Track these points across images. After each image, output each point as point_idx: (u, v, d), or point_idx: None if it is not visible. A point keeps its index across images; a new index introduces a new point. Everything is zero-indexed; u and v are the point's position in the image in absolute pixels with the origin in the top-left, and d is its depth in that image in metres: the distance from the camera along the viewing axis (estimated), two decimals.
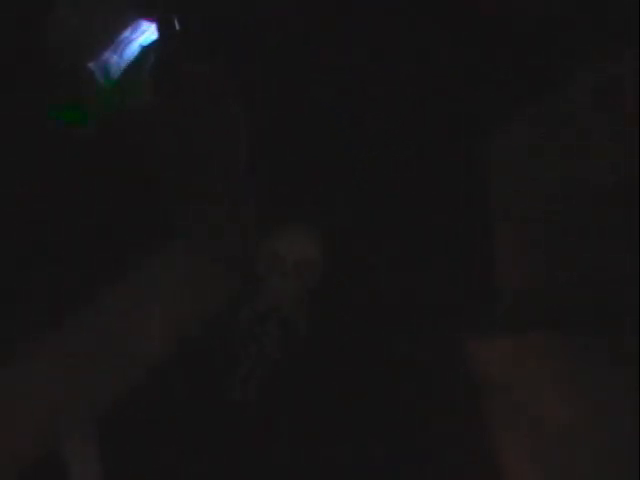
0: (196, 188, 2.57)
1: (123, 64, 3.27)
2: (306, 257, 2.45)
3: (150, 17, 3.45)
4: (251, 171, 2.44)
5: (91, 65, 3.26)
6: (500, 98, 2.12)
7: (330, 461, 2.17)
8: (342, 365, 2.29)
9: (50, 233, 2.62)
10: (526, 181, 2.10)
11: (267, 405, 2.25)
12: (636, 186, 2.09)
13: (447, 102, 2.25)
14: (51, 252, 2.60)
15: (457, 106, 2.20)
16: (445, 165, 2.24)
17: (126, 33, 3.39)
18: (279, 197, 2.46)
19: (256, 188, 2.48)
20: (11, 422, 2.25)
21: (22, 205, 2.63)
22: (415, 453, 2.14)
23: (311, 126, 2.40)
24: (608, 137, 2.08)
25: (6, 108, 2.72)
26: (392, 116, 2.35)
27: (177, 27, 3.24)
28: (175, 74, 2.76)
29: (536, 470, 1.99)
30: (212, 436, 2.22)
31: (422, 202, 2.29)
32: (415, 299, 2.30)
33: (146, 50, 3.34)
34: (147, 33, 3.41)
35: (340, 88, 2.34)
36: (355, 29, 2.33)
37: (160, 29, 3.31)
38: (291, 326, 2.37)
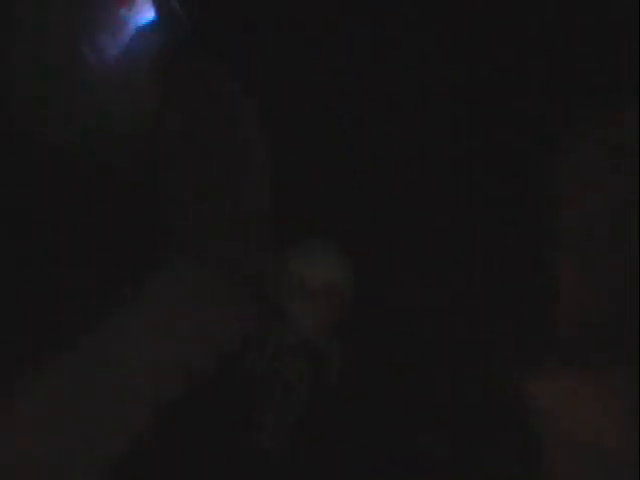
0: (208, 204, 2.31)
1: (118, 47, 2.98)
2: (334, 280, 2.14)
3: None
4: (267, 189, 2.17)
5: (84, 48, 2.97)
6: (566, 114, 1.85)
7: None
8: (382, 406, 2.00)
9: (50, 240, 2.40)
10: (592, 206, 1.83)
11: (298, 455, 1.96)
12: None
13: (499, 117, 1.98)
14: (53, 262, 2.37)
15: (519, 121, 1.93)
16: (505, 189, 1.97)
17: (121, 12, 3.08)
18: (299, 215, 2.19)
19: (273, 207, 2.21)
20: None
21: (21, 213, 2.41)
22: None
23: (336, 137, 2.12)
24: None
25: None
26: (423, 124, 2.07)
27: (177, 5, 2.93)
28: (177, 67, 2.47)
29: None
30: None
31: (476, 228, 2.02)
32: (468, 332, 2.03)
33: (143, 31, 3.04)
34: (144, 12, 3.11)
35: (372, 95, 2.06)
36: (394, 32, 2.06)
37: (158, 8, 3.00)
38: (322, 360, 2.10)
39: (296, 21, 2.10)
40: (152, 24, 3.07)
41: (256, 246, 2.25)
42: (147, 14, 3.08)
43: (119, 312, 2.33)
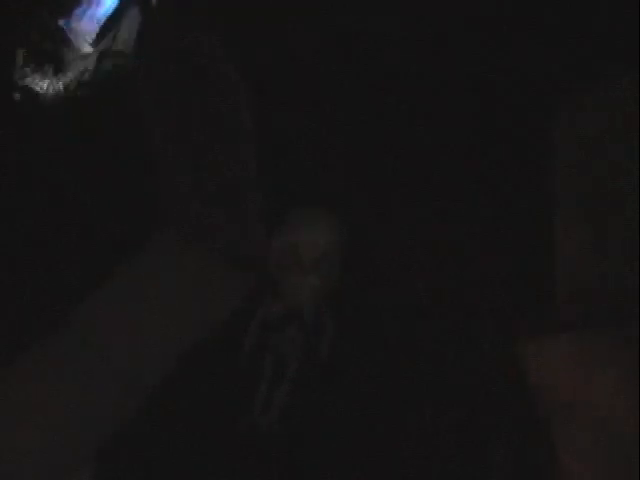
0: (197, 177, 2.25)
1: (97, 21, 2.91)
2: (327, 250, 2.07)
3: None
4: (258, 159, 2.12)
5: (62, 23, 2.90)
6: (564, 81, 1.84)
7: None
8: (377, 377, 1.95)
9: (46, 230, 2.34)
10: (592, 171, 1.82)
11: (289, 428, 1.89)
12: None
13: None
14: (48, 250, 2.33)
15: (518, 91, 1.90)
16: (501, 153, 1.94)
17: None
18: (289, 186, 2.14)
19: (263, 177, 2.16)
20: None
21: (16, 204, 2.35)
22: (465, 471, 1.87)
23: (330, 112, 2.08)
24: None
25: None
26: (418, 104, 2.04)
27: None
28: (161, 36, 2.40)
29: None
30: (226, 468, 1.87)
31: (473, 193, 1.98)
32: (464, 298, 2.00)
33: (124, 4, 2.98)
34: None
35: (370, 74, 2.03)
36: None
37: None
38: (315, 331, 2.01)
39: None
40: None
41: (248, 218, 2.21)
42: None
43: (104, 291, 2.25)
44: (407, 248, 2.09)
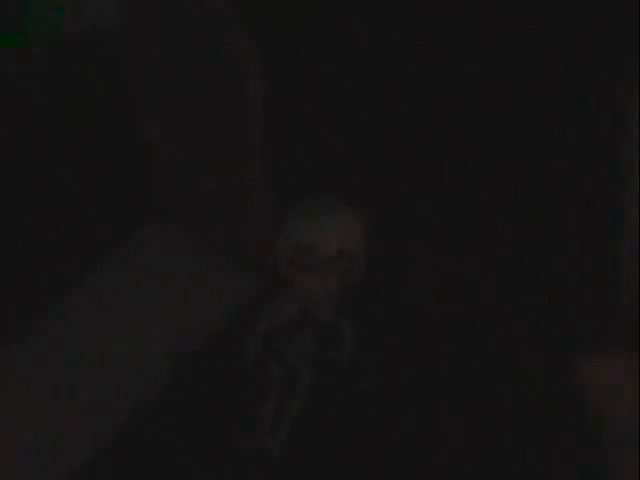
0: (203, 173, 2.04)
1: None
2: (347, 246, 1.86)
3: None
4: (267, 149, 1.89)
5: None
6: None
7: None
8: (401, 392, 1.74)
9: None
10: None
11: (300, 454, 1.68)
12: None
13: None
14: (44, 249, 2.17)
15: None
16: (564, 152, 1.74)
17: None
18: (300, 173, 1.93)
19: (269, 172, 1.95)
20: None
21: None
22: None
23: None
24: None
25: None
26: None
27: None
28: None
29: None
30: None
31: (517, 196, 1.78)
32: (511, 308, 1.80)
33: None
34: None
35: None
36: None
37: None
38: (331, 338, 1.80)
39: None
40: None
41: (254, 211, 2.01)
42: None
43: (101, 289, 2.11)
44: (439, 247, 1.87)
